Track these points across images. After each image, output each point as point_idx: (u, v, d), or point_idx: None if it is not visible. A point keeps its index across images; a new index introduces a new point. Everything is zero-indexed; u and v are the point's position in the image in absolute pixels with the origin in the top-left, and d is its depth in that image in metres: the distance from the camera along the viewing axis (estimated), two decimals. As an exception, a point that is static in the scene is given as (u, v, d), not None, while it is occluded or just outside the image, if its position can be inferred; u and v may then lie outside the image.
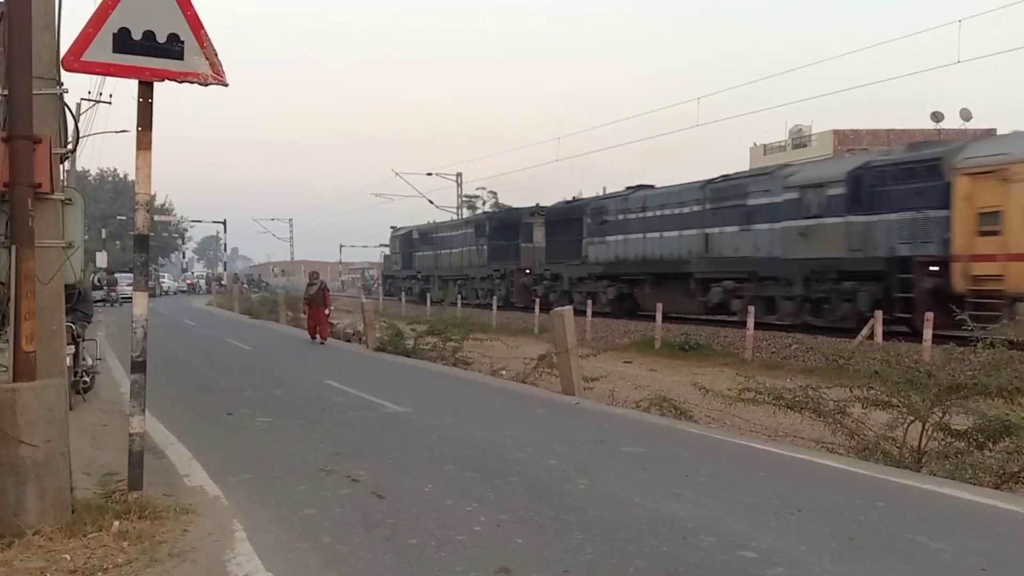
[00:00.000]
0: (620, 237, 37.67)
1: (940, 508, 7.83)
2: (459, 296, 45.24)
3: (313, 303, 29.70)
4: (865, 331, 22.07)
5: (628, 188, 40.12)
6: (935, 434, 10.37)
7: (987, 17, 43.21)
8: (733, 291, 30.72)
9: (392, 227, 72.96)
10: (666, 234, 34.72)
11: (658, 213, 35.53)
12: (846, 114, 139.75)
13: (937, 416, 10.36)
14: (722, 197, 31.95)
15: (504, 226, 50.32)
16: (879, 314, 21.83)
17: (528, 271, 46.26)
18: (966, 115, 51.47)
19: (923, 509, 7.80)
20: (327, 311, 29.79)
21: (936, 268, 22.89)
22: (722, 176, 33.00)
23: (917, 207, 23.73)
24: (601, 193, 43.73)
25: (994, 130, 49.88)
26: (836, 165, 28.50)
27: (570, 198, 47.78)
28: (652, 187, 38.44)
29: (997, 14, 76.90)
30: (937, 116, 54.21)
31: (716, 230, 31.94)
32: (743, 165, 70.02)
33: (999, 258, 21.30)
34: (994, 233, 21.52)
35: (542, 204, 47.22)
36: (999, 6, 50.17)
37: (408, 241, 66.60)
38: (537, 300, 39.62)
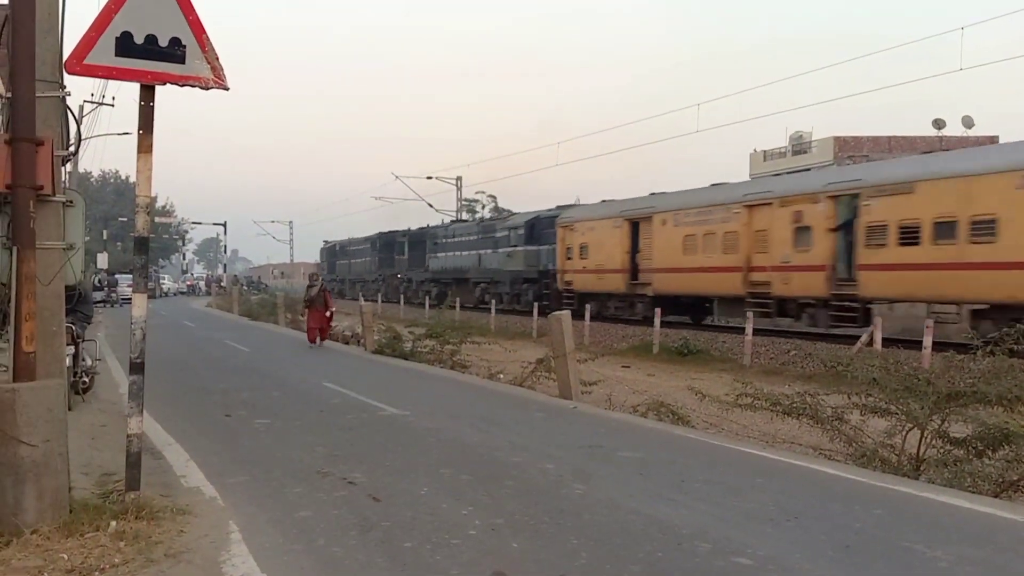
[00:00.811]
0: (442, 254, 57.89)
1: (938, 516, 7.85)
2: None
3: (313, 305, 28.90)
4: (864, 338, 22.12)
5: (452, 221, 64.05)
6: (934, 442, 10.39)
7: (990, 25, 43.25)
8: (485, 289, 49.94)
9: (324, 241, 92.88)
10: (461, 254, 54.79)
11: (460, 239, 55.61)
12: (847, 121, 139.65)
13: (936, 424, 10.38)
14: (484, 231, 52.78)
15: (387, 243, 69.48)
16: (879, 321, 22.03)
17: (399, 276, 64.10)
18: (968, 122, 51.56)
19: (921, 517, 7.83)
20: (328, 312, 29.17)
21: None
22: (488, 218, 53.76)
23: (552, 243, 43.07)
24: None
25: (997, 137, 50.01)
26: (522, 218, 48.60)
27: (426, 225, 66.50)
28: (464, 221, 62.57)
29: (1000, 22, 76.93)
30: (939, 123, 54.29)
31: (481, 252, 51.82)
32: (743, 171, 70.11)
33: (589, 270, 39.46)
34: (583, 258, 39.86)
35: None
36: (1002, 13, 50.26)
37: (332, 252, 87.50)
38: (401, 295, 56.45)
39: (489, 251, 50.38)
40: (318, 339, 28.63)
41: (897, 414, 10.57)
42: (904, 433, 10.54)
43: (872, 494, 8.65)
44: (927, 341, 19.88)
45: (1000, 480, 9.43)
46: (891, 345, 20.61)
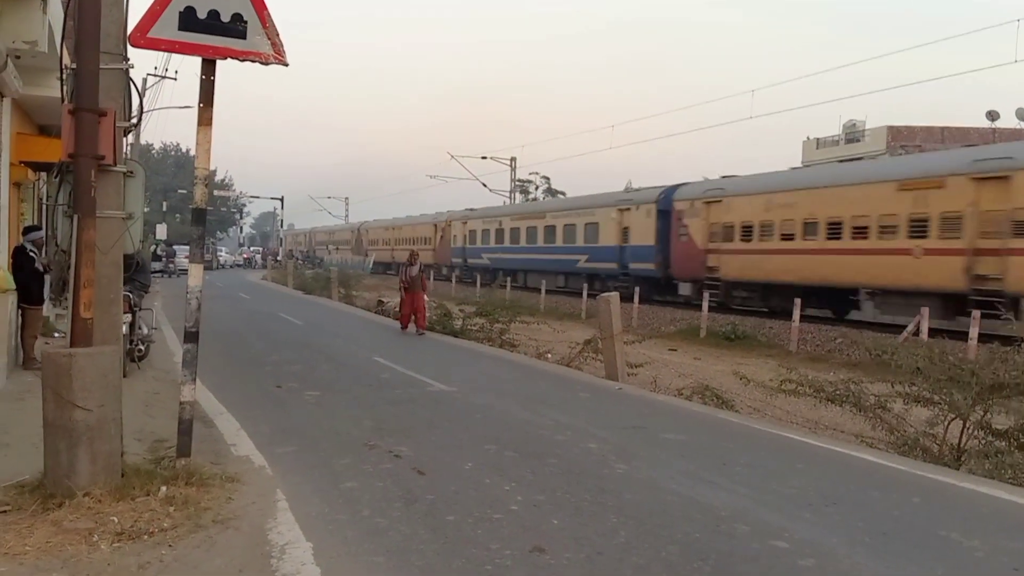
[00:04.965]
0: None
1: (976, 506, 7.74)
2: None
3: (412, 287, 25.19)
4: (911, 327, 21.84)
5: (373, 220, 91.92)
6: (976, 433, 10.25)
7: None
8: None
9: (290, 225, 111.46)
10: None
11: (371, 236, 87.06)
12: (900, 110, 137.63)
13: (978, 415, 10.23)
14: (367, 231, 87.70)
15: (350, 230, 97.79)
16: (925, 311, 21.70)
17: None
18: (1022, 115, 50.56)
19: (959, 507, 7.72)
20: (425, 295, 25.91)
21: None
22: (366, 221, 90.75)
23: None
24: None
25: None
26: (352, 226, 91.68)
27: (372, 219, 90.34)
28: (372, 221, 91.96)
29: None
30: (993, 115, 53.28)
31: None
32: (796, 159, 69.32)
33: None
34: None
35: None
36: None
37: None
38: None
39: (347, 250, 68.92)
40: (413, 326, 25.02)
41: (940, 404, 10.44)
42: (946, 423, 10.40)
43: (912, 483, 8.54)
44: (973, 332, 19.58)
45: (1043, 473, 9.29)
46: (937, 335, 20.40)
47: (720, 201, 34.62)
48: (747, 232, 33.08)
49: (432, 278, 43.43)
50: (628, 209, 41.37)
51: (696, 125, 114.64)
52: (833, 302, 31.22)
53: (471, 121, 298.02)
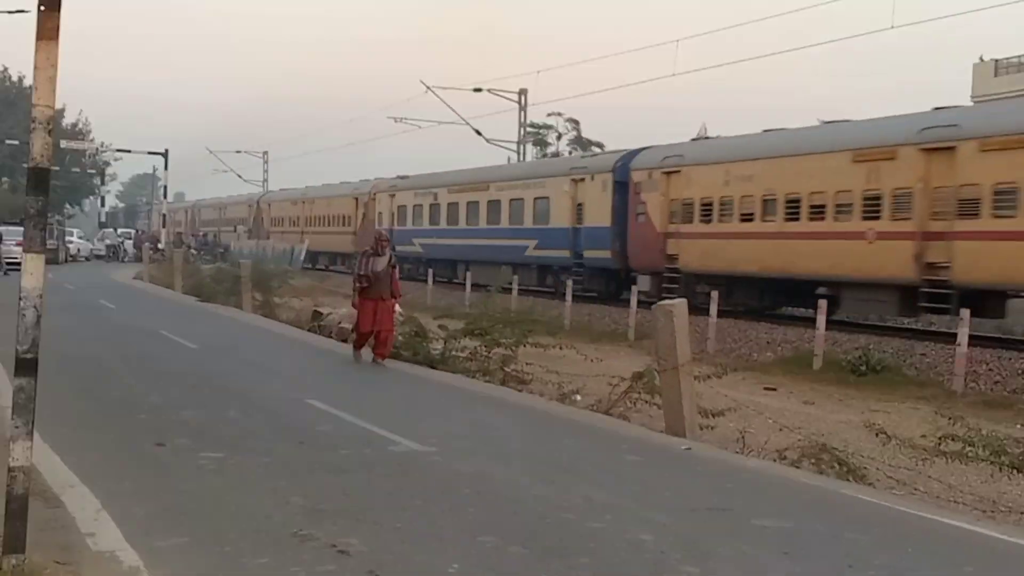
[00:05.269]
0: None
1: None
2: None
3: (376, 289, 24.05)
4: None
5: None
6: None
7: None
8: None
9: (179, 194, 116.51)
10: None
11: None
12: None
13: None
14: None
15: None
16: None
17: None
18: None
19: None
20: (396, 305, 25.32)
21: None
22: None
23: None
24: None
25: None
26: (248, 199, 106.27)
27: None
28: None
29: None
30: None
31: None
32: (965, 90, 69.28)
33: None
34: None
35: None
36: None
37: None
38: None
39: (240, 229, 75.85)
40: (370, 352, 24.48)
41: None
42: None
43: None
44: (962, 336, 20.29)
45: None
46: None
47: (679, 171, 39.53)
48: (707, 211, 37.99)
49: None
50: (583, 180, 45.77)
51: (815, 37, 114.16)
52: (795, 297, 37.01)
53: (458, 33, 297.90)
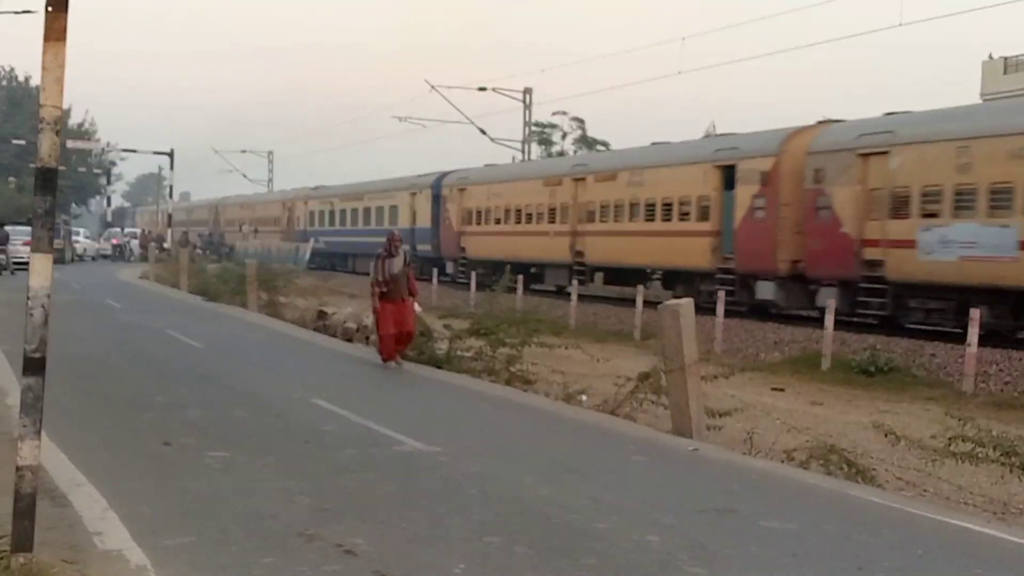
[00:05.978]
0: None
1: None
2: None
3: (393, 290, 23.63)
4: None
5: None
6: None
7: None
8: None
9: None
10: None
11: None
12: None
13: None
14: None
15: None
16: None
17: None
18: None
19: None
20: (416, 305, 24.55)
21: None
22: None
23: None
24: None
25: None
26: (210, 203, 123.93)
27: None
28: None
29: None
30: None
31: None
32: (974, 88, 69.26)
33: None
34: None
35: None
36: None
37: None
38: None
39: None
40: (399, 359, 23.94)
41: None
42: None
43: None
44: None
45: None
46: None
47: (465, 189, 60.37)
48: (480, 217, 58.06)
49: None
50: (416, 193, 66.64)
51: (826, 35, 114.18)
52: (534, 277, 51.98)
53: (463, 32, 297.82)
